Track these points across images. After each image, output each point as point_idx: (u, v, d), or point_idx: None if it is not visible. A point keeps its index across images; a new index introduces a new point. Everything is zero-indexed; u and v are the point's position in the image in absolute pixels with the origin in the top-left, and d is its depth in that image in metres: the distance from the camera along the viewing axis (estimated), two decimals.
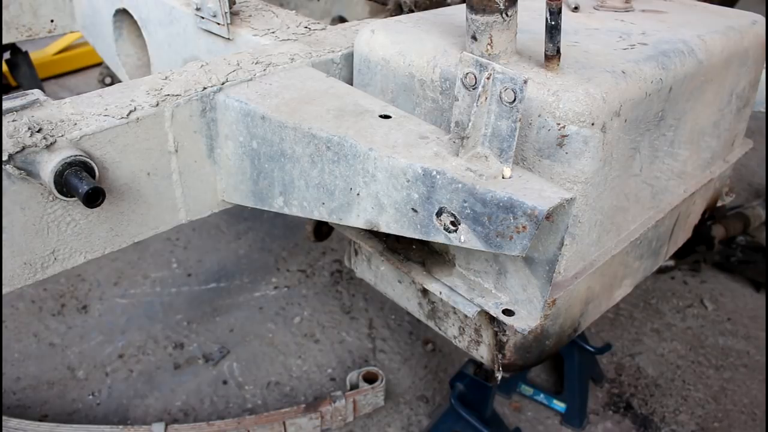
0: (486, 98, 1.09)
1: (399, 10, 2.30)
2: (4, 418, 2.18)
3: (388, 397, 2.45)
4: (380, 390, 2.36)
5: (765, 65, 1.87)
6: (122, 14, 2.22)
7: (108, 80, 4.28)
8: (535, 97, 1.23)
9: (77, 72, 5.08)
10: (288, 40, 1.65)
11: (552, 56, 1.26)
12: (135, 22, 2.15)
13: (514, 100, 1.07)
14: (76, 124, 1.20)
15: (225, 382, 2.53)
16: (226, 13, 1.71)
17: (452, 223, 1.11)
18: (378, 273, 1.71)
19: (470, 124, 1.10)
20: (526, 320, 1.24)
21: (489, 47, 1.29)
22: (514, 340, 1.45)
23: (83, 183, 1.11)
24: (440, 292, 1.36)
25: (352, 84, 1.57)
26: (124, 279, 3.03)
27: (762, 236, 3.15)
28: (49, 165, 1.12)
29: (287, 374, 2.58)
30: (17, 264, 1.20)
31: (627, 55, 1.38)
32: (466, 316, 1.44)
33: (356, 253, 1.75)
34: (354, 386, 2.39)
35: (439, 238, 1.14)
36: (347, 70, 1.61)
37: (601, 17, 1.66)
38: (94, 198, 1.11)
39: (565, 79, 1.25)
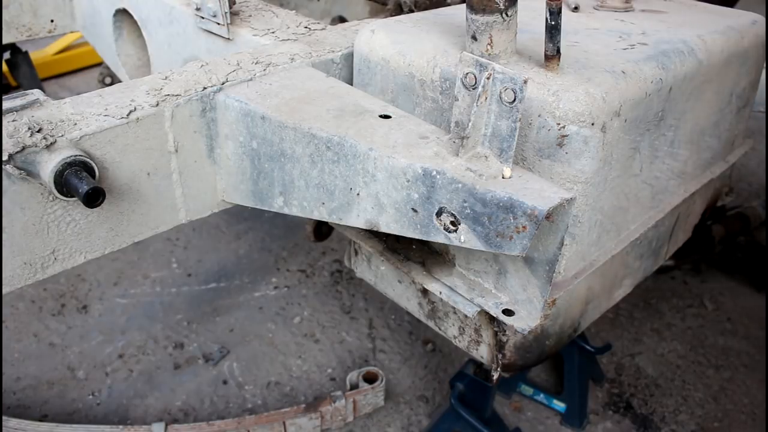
0: (486, 98, 1.09)
1: (399, 10, 2.30)
2: (4, 418, 2.18)
3: (388, 397, 2.45)
4: (380, 390, 2.36)
5: (765, 65, 1.87)
6: (122, 14, 2.23)
7: (108, 80, 4.28)
8: (535, 97, 1.23)
9: (77, 72, 5.08)
10: (288, 40, 1.65)
11: (552, 56, 1.26)
12: (135, 22, 2.16)
13: (514, 100, 1.07)
14: (76, 124, 1.20)
15: (225, 382, 2.53)
16: (226, 13, 1.71)
17: (452, 223, 1.11)
18: (378, 273, 1.71)
19: (470, 124, 1.10)
20: (526, 320, 1.24)
21: (489, 47, 1.29)
22: (514, 340, 1.45)
23: (83, 183, 1.11)
24: (440, 292, 1.36)
25: (352, 84, 1.57)
26: (124, 279, 3.03)
27: (762, 236, 3.15)
28: (49, 165, 1.12)
29: (287, 374, 2.58)
30: (17, 264, 1.20)
31: (627, 55, 1.38)
32: (466, 316, 1.44)
33: (356, 253, 1.75)
34: (354, 386, 2.38)
35: (439, 238, 1.14)
36: (347, 70, 1.61)
37: (601, 17, 1.66)
38: (94, 198, 1.11)
39: (565, 79, 1.25)
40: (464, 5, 1.30)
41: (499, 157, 1.11)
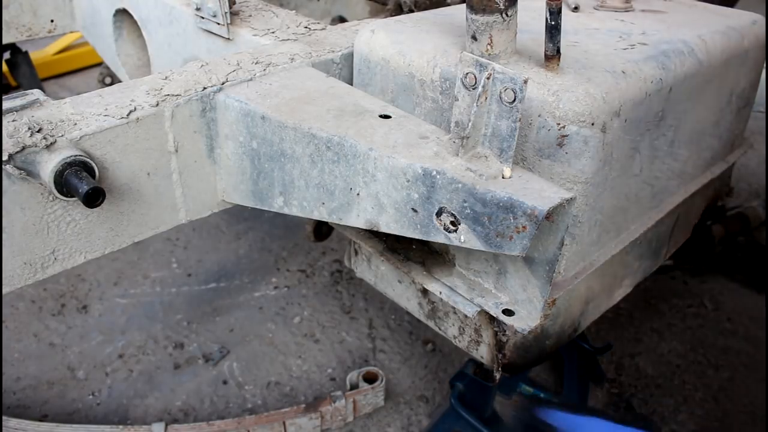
0: (486, 98, 1.09)
1: (399, 10, 2.30)
2: (4, 418, 2.18)
3: (388, 397, 2.45)
4: (380, 390, 2.36)
5: (765, 65, 1.87)
6: (122, 14, 2.23)
7: (108, 80, 4.28)
8: (535, 97, 1.23)
9: (77, 72, 5.08)
10: (288, 40, 1.65)
11: (552, 56, 1.26)
12: (135, 22, 2.16)
13: (514, 100, 1.07)
14: (76, 124, 1.20)
15: (225, 382, 2.53)
16: (226, 13, 1.71)
17: (452, 223, 1.11)
18: (378, 273, 1.71)
19: (470, 124, 1.10)
20: (526, 320, 1.24)
21: (489, 47, 1.29)
22: (514, 340, 1.45)
23: (83, 183, 1.11)
24: (440, 292, 1.36)
25: (352, 84, 1.57)
26: (124, 279, 3.03)
27: (762, 236, 3.15)
28: (49, 165, 1.12)
29: (287, 374, 2.58)
30: (17, 264, 1.20)
31: (627, 55, 1.38)
32: (466, 316, 1.44)
33: (356, 253, 1.75)
34: (354, 386, 2.38)
35: (439, 238, 1.14)
36: (347, 70, 1.61)
37: (601, 17, 1.66)
38: (94, 198, 1.11)
39: (565, 79, 1.25)
40: (464, 5, 1.30)
41: (499, 157, 1.11)
